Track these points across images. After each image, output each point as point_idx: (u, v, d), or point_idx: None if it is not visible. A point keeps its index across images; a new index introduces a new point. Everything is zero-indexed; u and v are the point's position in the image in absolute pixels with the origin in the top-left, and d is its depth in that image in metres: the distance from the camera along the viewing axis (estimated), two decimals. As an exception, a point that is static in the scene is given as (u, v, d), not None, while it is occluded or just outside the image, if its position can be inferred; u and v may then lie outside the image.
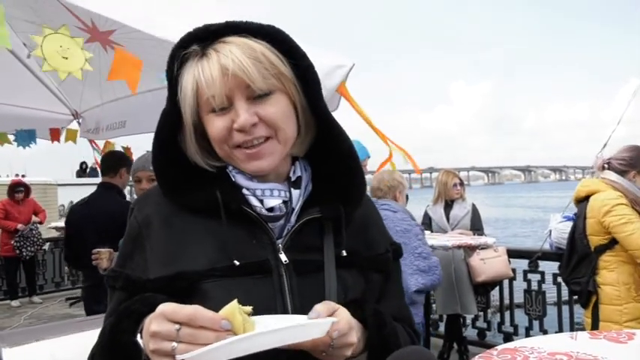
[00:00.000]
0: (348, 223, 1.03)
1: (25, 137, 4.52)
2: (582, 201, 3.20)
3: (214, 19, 1.06)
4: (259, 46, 0.93)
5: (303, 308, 0.91)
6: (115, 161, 3.93)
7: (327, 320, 0.80)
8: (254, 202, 0.99)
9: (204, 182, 1.00)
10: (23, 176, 13.98)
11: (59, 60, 2.10)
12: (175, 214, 0.99)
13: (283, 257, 0.97)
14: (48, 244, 8.31)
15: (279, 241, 0.99)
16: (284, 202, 1.01)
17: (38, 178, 13.19)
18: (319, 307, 0.83)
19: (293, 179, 1.04)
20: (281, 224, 1.01)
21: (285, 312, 0.92)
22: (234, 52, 0.90)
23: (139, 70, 2.21)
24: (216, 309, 0.77)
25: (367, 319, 0.91)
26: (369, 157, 3.75)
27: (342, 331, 0.83)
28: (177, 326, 0.74)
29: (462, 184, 4.78)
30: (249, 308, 0.78)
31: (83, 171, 14.04)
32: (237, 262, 0.93)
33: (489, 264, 4.39)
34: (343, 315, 0.85)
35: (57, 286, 8.38)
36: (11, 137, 4.51)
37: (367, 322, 0.90)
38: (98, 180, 6.50)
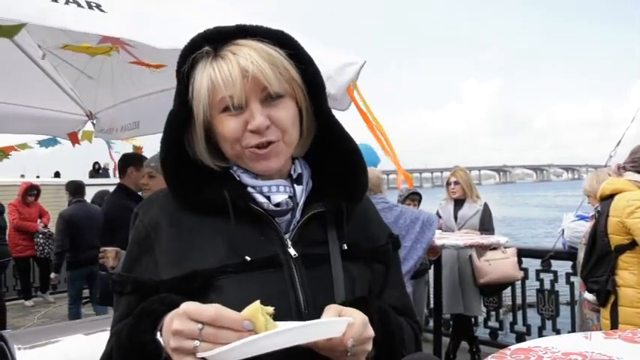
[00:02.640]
0: (349, 218, 1.06)
1: (48, 142, 4.70)
2: (606, 199, 3.15)
3: (213, 18, 1.06)
4: (273, 51, 0.95)
5: (314, 300, 0.94)
6: (122, 162, 4.14)
7: (344, 319, 0.82)
8: (260, 199, 1.01)
9: (210, 181, 1.02)
10: (57, 174, 14.17)
11: (86, 49, 2.28)
12: (182, 214, 1.01)
13: (292, 251, 0.99)
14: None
15: (287, 235, 1.01)
16: (289, 197, 1.03)
17: (50, 178, 13.31)
18: (329, 312, 0.85)
19: (294, 176, 1.07)
20: (287, 220, 1.04)
21: (297, 304, 0.94)
22: (252, 55, 0.93)
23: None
24: (231, 304, 0.78)
25: (373, 316, 0.92)
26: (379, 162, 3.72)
27: (356, 334, 0.84)
28: (199, 325, 0.75)
29: (457, 183, 4.69)
30: (270, 309, 0.78)
31: (96, 171, 14.15)
32: (248, 258, 0.95)
33: (495, 265, 4.32)
34: (355, 314, 0.86)
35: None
36: (33, 142, 4.68)
37: (373, 320, 0.91)
38: (109, 180, 6.60)
